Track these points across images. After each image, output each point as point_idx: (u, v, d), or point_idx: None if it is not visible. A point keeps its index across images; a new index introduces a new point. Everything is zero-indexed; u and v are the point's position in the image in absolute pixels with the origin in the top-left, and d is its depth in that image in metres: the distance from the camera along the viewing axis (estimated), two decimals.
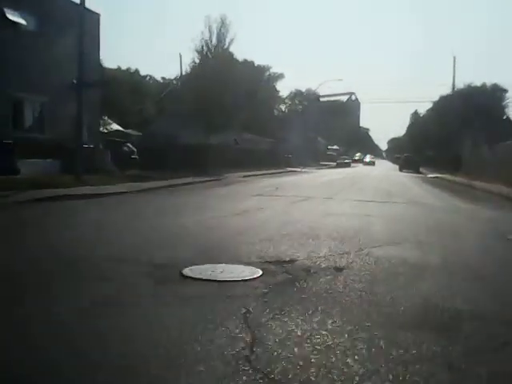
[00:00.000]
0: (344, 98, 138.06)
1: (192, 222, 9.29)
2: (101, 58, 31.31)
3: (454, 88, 48.45)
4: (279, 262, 5.73)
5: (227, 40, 32.20)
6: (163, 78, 54.78)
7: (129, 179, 20.21)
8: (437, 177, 39.52)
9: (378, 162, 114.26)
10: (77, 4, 20.04)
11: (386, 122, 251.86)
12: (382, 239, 7.78)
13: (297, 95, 71.84)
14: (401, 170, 52.87)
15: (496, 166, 30.49)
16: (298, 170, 45.95)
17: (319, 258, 6.10)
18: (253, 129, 53.87)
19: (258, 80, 58.04)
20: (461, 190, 23.11)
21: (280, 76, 62.26)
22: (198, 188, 19.65)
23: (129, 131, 43.59)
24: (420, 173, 49.12)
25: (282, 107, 69.64)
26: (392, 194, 18.60)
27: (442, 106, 65.53)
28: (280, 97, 64.21)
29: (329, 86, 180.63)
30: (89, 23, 25.34)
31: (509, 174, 26.24)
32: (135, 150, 28.41)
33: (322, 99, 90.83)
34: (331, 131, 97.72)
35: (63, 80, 20.83)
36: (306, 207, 12.84)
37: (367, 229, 8.99)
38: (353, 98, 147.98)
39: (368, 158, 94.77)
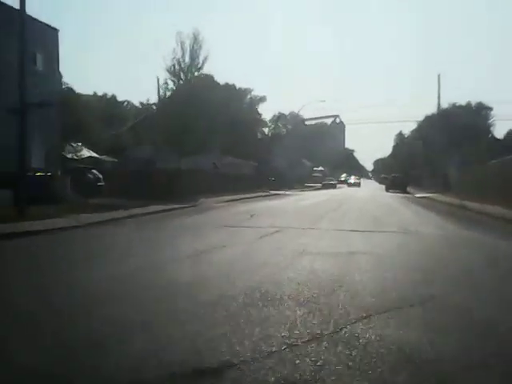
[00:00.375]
0: (328, 121, 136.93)
1: (111, 275, 6.75)
2: (71, 82, 29.20)
3: (439, 106, 46.68)
4: (192, 378, 3.23)
5: (201, 58, 29.96)
6: (141, 104, 52.55)
7: (88, 209, 17.63)
8: (425, 197, 37.34)
9: (364, 182, 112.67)
10: (33, 18, 17.79)
11: (371, 143, 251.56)
12: (370, 300, 5.33)
13: (280, 118, 69.69)
14: (387, 190, 50.75)
15: (486, 186, 28.36)
16: (282, 193, 43.59)
17: (269, 356, 3.61)
18: (236, 152, 51.66)
19: (239, 103, 56.03)
20: (454, 213, 20.83)
21: (262, 99, 60.28)
22: (164, 217, 17.16)
23: (103, 157, 41.16)
24: (407, 192, 47.00)
25: (266, 130, 67.52)
26: (379, 220, 16.20)
27: (427, 126, 64.13)
28: (263, 120, 62.09)
29: (312, 107, 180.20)
30: (44, 39, 23.12)
31: (499, 193, 24.12)
32: (101, 176, 25.95)
33: (306, 122, 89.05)
34: (316, 154, 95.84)
35: (15, 102, 18.37)
36: (278, 243, 10.36)
37: (350, 280, 6.52)
38: (337, 120, 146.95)
39: (353, 179, 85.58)
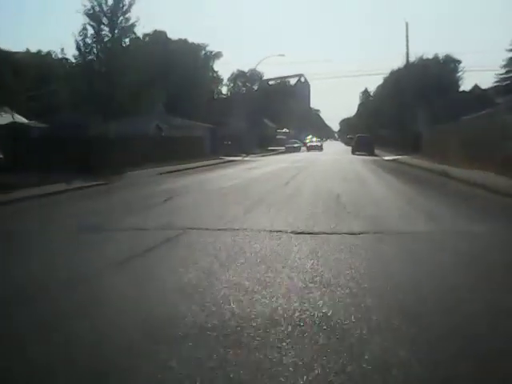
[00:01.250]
0: (293, 81, 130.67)
1: None
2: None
3: (407, 58, 41.24)
4: None
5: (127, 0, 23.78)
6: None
7: None
8: (395, 159, 32.58)
9: (330, 143, 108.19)
10: None
11: (337, 102, 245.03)
12: None
13: (239, 76, 63.09)
14: (353, 152, 45.83)
15: (464, 145, 23.61)
16: (238, 158, 38.24)
17: None
18: (189, 114, 45.77)
19: (192, 59, 49.67)
20: (439, 185, 15.91)
21: (217, 55, 53.41)
22: (41, 205, 11.80)
23: (32, 122, 34.86)
24: (375, 155, 42.22)
25: (224, 89, 61.22)
26: (342, 203, 11.03)
27: (394, 82, 59.29)
28: (219, 77, 55.32)
29: (272, 62, 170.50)
30: None
31: (481, 155, 19.43)
32: None
33: (269, 82, 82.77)
34: (281, 114, 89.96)
35: None
36: (136, 285, 5.10)
37: None
38: (302, 79, 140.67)
39: (314, 142, 68.37)
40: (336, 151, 56.71)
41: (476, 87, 60.57)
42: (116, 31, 24.23)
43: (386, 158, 36.36)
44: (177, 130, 38.92)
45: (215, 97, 55.02)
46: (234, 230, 7.81)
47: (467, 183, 14.72)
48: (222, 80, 55.28)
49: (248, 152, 46.86)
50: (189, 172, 23.38)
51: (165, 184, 16.87)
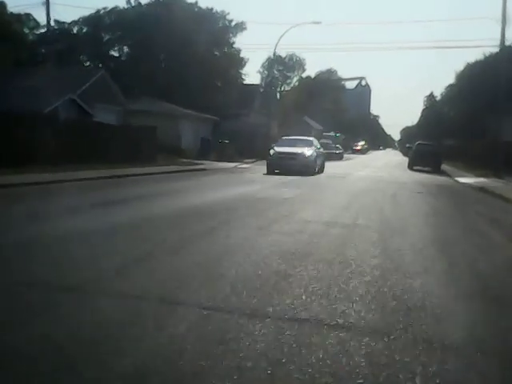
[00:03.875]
0: (352, 84, 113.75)
1: None
2: None
3: (503, 35, 24.20)
4: None
5: None
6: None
7: None
8: (485, 188, 16.54)
9: (387, 152, 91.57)
10: None
11: (400, 109, 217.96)
12: None
13: (275, 62, 47.49)
14: (411, 166, 29.57)
15: None
16: (228, 165, 23.52)
17: None
18: (192, 101, 31.60)
19: (205, 30, 35.19)
20: None
21: (239, 26, 37.66)
22: None
23: None
24: (442, 172, 26.13)
25: (257, 76, 46.11)
26: None
27: (469, 79, 42.64)
28: (239, 56, 39.47)
29: (305, 32, 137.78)
30: None
31: None
32: None
33: (314, 74, 66.97)
34: (332, 116, 73.60)
35: None
36: None
37: None
38: (363, 83, 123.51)
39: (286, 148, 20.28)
40: (388, 163, 40.43)
41: None
42: None
43: (464, 180, 20.38)
44: (146, 117, 24.70)
45: (236, 81, 39.88)
46: None
47: None
48: (243, 59, 39.49)
49: (263, 156, 31.92)
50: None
51: None
